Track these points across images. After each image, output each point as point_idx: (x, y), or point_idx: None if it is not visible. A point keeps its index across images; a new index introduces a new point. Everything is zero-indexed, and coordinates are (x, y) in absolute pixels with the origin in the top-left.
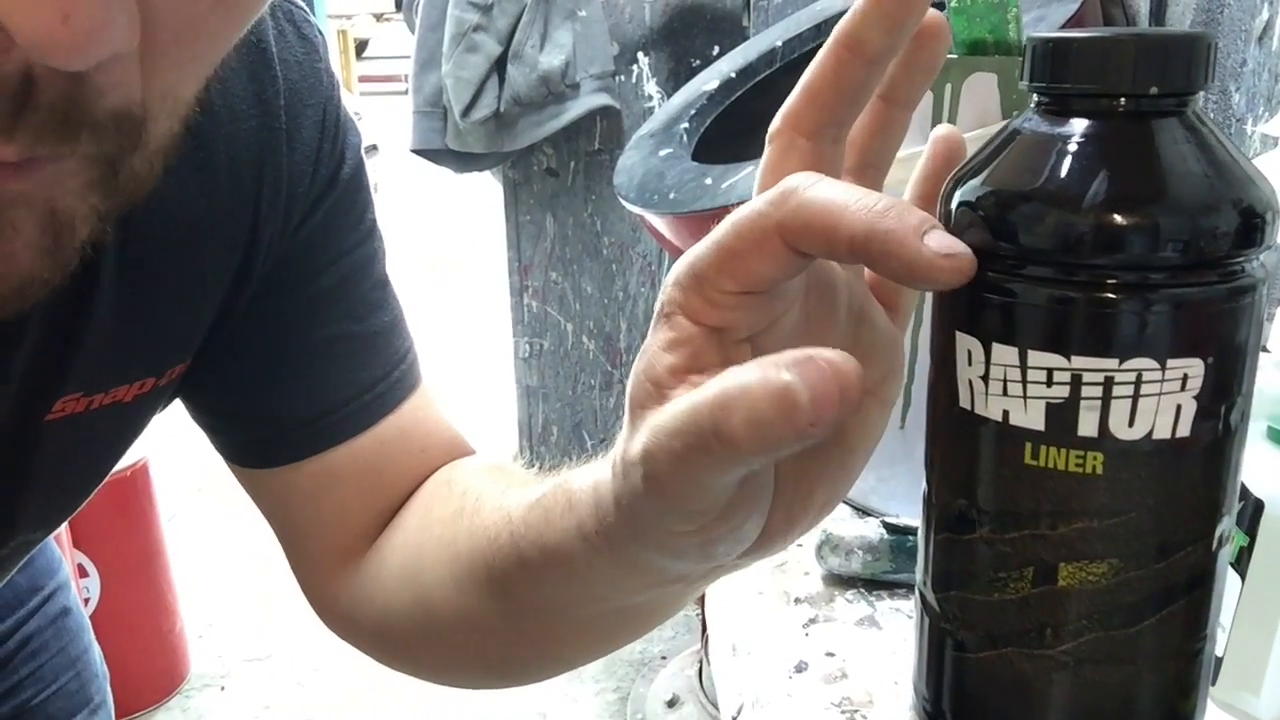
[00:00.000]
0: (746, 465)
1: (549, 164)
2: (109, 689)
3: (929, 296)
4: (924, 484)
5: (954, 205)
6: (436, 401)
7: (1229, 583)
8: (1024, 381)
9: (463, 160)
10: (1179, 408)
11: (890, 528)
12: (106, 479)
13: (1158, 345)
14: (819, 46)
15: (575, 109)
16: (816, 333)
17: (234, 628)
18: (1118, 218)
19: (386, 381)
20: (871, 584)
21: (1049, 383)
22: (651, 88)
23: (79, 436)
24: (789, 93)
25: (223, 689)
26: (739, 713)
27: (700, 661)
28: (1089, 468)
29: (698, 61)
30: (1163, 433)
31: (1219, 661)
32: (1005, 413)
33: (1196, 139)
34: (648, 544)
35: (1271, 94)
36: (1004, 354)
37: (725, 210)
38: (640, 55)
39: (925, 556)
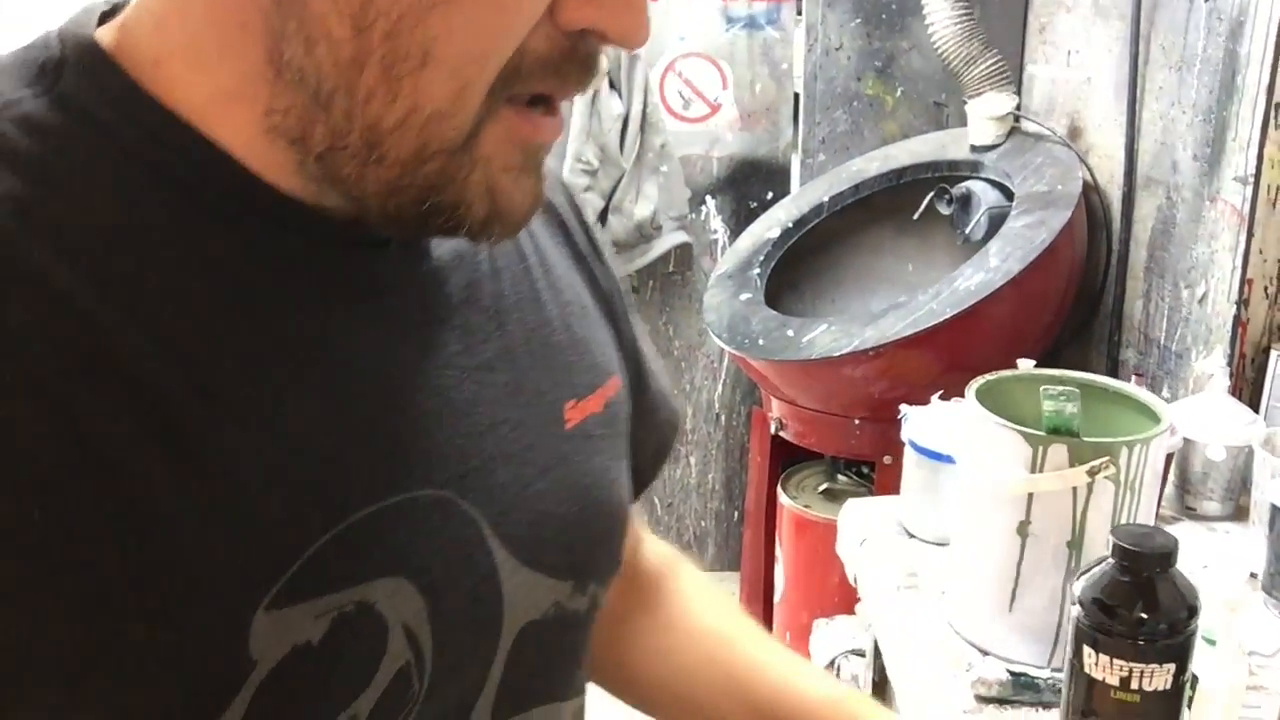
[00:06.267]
0: None
1: (633, 284)
2: None
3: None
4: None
5: (1080, 598)
6: None
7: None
8: (1112, 669)
9: None
10: (1166, 678)
11: (1011, 672)
12: None
13: (1165, 658)
14: (856, 201)
15: (660, 247)
16: None
17: None
18: (1145, 615)
19: None
20: (1001, 701)
21: (1123, 670)
22: (717, 224)
23: None
24: (834, 236)
25: None
26: None
27: None
28: (1132, 698)
29: (755, 204)
30: (1161, 687)
31: None
32: (1104, 679)
33: (1174, 583)
34: None
35: (1207, 339)
36: (1103, 660)
37: (810, 363)
38: (708, 198)
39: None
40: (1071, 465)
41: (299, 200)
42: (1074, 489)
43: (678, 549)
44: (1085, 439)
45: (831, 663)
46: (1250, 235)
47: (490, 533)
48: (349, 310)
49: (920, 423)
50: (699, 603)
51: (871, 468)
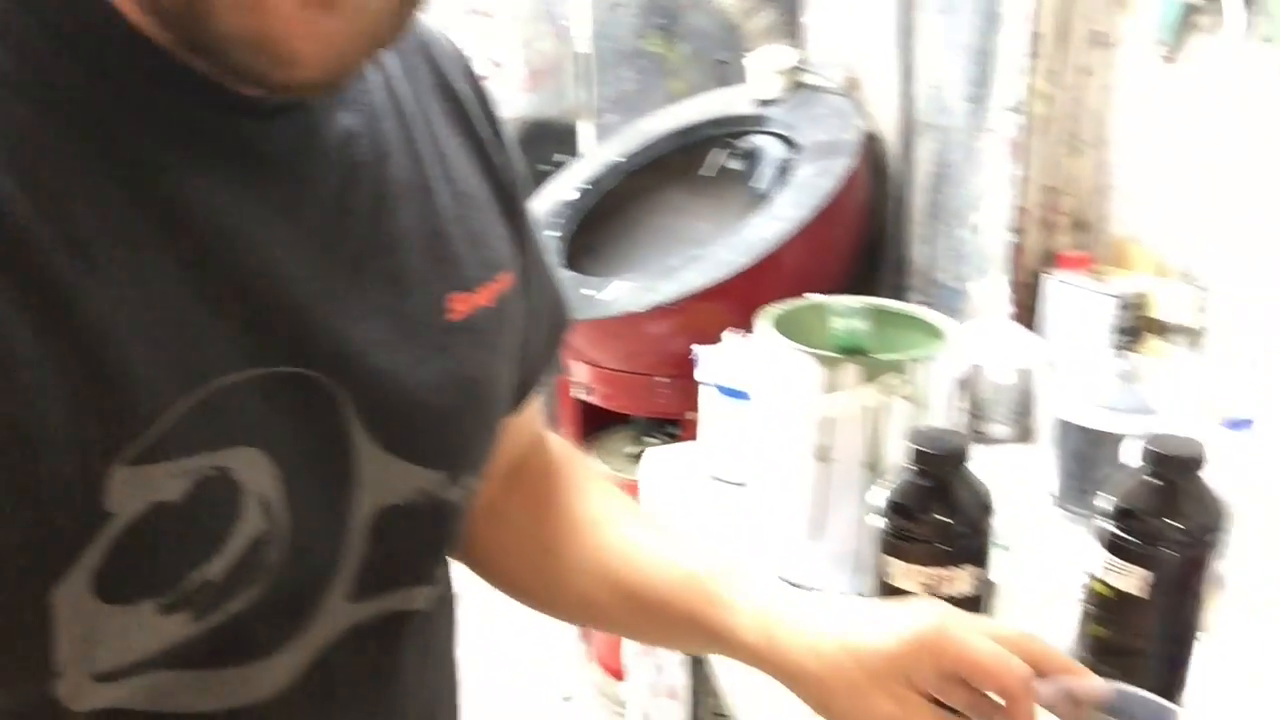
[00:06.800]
0: None
1: None
2: None
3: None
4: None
5: (885, 501)
6: None
7: None
8: (917, 577)
9: None
10: (969, 580)
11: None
12: None
13: (965, 558)
14: (648, 162)
15: None
16: None
17: None
18: (944, 517)
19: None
20: None
21: (927, 578)
22: None
23: None
24: (628, 198)
25: None
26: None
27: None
28: None
29: (545, 166)
30: (965, 591)
31: None
32: (910, 589)
33: (969, 482)
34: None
35: (981, 267)
36: (909, 569)
37: (610, 321)
38: None
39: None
40: (864, 384)
41: (185, 65)
42: (869, 409)
43: None
44: (876, 356)
45: None
46: (1020, 163)
47: (355, 417)
48: (226, 179)
49: (713, 362)
50: (587, 495)
51: (679, 426)
